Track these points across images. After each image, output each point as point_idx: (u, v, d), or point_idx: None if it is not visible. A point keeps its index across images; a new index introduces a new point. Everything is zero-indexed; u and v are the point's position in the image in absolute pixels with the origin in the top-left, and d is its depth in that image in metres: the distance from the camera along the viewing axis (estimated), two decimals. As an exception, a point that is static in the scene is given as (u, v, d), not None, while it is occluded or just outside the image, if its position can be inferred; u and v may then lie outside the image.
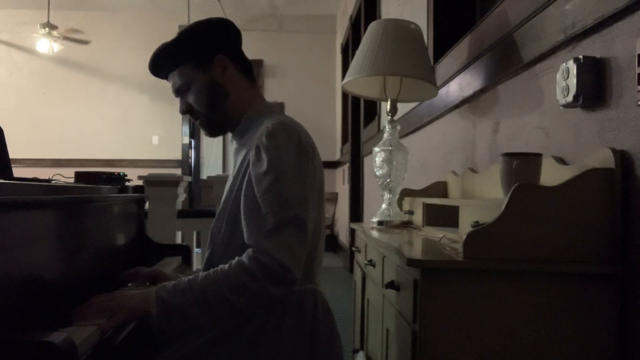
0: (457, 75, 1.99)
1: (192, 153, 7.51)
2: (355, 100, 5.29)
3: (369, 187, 4.55)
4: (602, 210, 0.96)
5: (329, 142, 7.07)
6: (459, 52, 1.99)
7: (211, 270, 1.09)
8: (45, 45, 6.56)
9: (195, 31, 1.25)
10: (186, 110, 1.28)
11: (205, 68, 1.24)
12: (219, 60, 1.24)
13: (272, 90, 7.00)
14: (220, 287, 1.04)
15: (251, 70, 1.31)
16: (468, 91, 1.86)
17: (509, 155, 1.11)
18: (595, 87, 1.08)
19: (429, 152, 2.51)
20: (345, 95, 6.04)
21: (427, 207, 1.70)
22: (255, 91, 1.31)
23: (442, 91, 2.12)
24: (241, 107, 1.27)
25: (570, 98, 1.11)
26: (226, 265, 1.07)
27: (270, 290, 1.05)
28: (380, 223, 1.87)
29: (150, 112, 7.22)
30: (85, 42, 7.23)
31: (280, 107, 1.31)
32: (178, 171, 6.94)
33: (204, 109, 1.26)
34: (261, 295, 1.05)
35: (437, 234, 1.45)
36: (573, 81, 1.10)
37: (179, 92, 1.27)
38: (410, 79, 1.87)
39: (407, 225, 1.86)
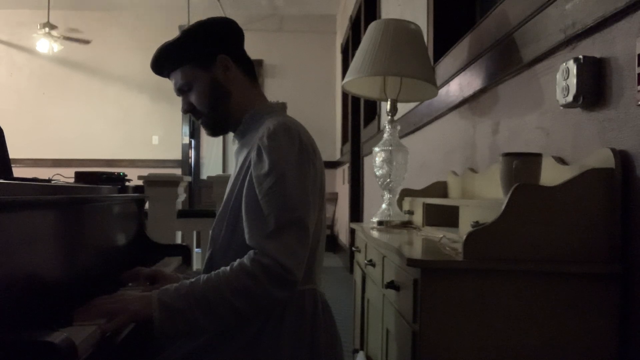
0: (457, 75, 1.99)
1: (192, 153, 7.52)
2: (355, 100, 5.29)
3: (369, 187, 4.55)
4: (602, 210, 0.96)
5: (329, 142, 7.07)
6: (459, 52, 1.99)
7: (213, 273, 1.08)
8: (45, 45, 6.57)
9: (198, 31, 1.24)
10: (188, 109, 1.28)
11: (207, 68, 1.24)
12: (221, 60, 1.24)
13: (272, 90, 6.99)
14: (223, 290, 1.04)
15: (253, 70, 1.31)
16: (468, 91, 1.86)
17: (509, 155, 1.11)
18: (595, 87, 1.08)
19: (429, 152, 2.50)
20: (345, 95, 6.04)
21: (427, 207, 1.70)
22: (257, 91, 1.31)
23: (442, 91, 2.12)
24: (243, 107, 1.26)
25: (570, 98, 1.11)
26: (228, 268, 1.07)
27: (272, 292, 1.05)
28: (380, 223, 1.87)
29: (150, 112, 7.22)
30: (85, 42, 7.24)
31: (282, 107, 1.31)
32: (178, 171, 6.95)
33: (206, 108, 1.25)
34: (263, 298, 1.05)
35: (437, 234, 1.45)
36: (573, 81, 1.10)
37: (181, 91, 1.27)
38: (410, 79, 1.87)
39: (407, 225, 1.85)
